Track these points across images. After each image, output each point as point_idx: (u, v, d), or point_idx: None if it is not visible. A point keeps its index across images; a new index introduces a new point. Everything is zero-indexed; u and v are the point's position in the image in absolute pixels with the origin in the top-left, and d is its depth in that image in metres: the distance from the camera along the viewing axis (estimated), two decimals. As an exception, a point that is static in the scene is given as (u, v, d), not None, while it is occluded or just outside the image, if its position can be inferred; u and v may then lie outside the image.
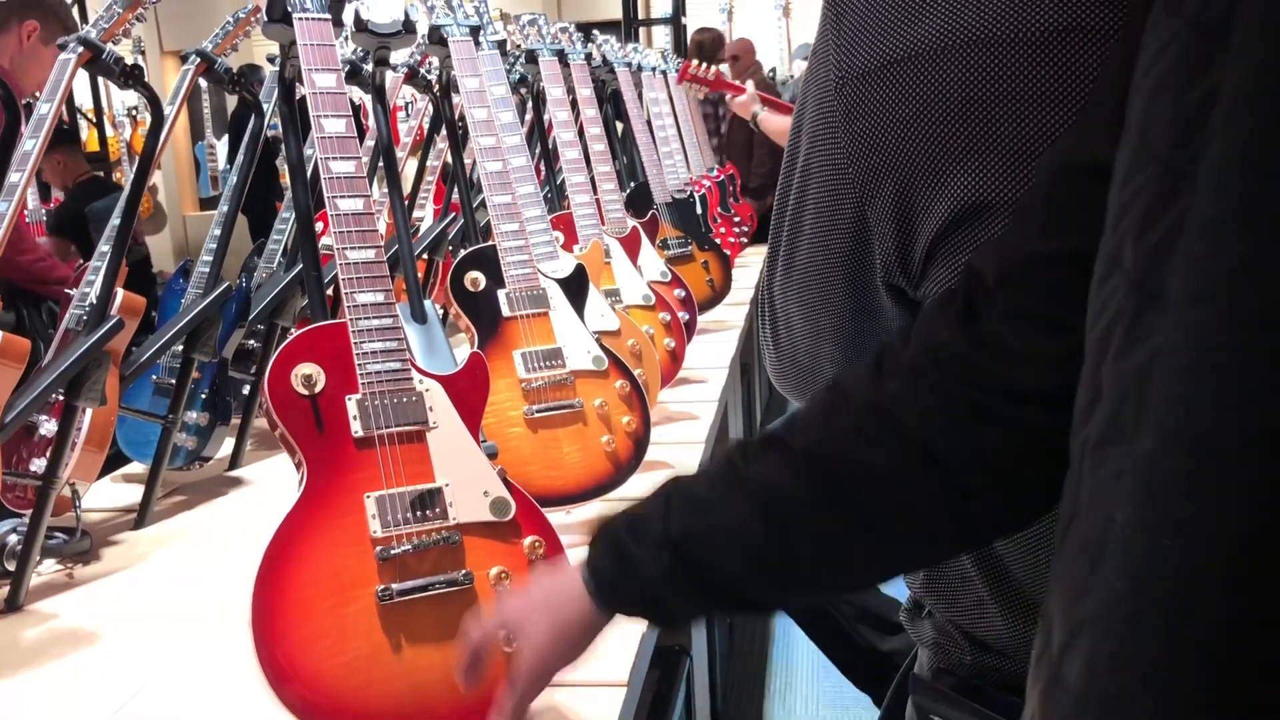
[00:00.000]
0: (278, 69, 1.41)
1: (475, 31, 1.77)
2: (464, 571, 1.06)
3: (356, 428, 1.07)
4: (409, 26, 1.52)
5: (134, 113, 8.89)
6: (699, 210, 3.35)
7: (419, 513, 1.06)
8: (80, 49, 1.53)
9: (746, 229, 4.34)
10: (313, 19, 1.21)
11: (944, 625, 0.93)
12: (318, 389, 1.07)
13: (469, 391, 1.14)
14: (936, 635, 0.94)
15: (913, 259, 0.80)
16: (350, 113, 1.18)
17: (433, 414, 1.11)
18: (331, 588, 1.02)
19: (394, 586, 1.03)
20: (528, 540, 1.09)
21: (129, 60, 1.64)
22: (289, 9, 1.21)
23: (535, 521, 1.11)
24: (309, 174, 1.42)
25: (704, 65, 4.04)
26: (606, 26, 7.76)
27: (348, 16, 1.43)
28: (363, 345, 1.09)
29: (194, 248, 8.78)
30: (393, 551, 1.04)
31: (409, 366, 1.11)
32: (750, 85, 3.93)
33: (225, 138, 8.39)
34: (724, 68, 4.56)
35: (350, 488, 1.05)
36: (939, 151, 0.75)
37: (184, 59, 1.87)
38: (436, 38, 1.76)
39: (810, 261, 0.87)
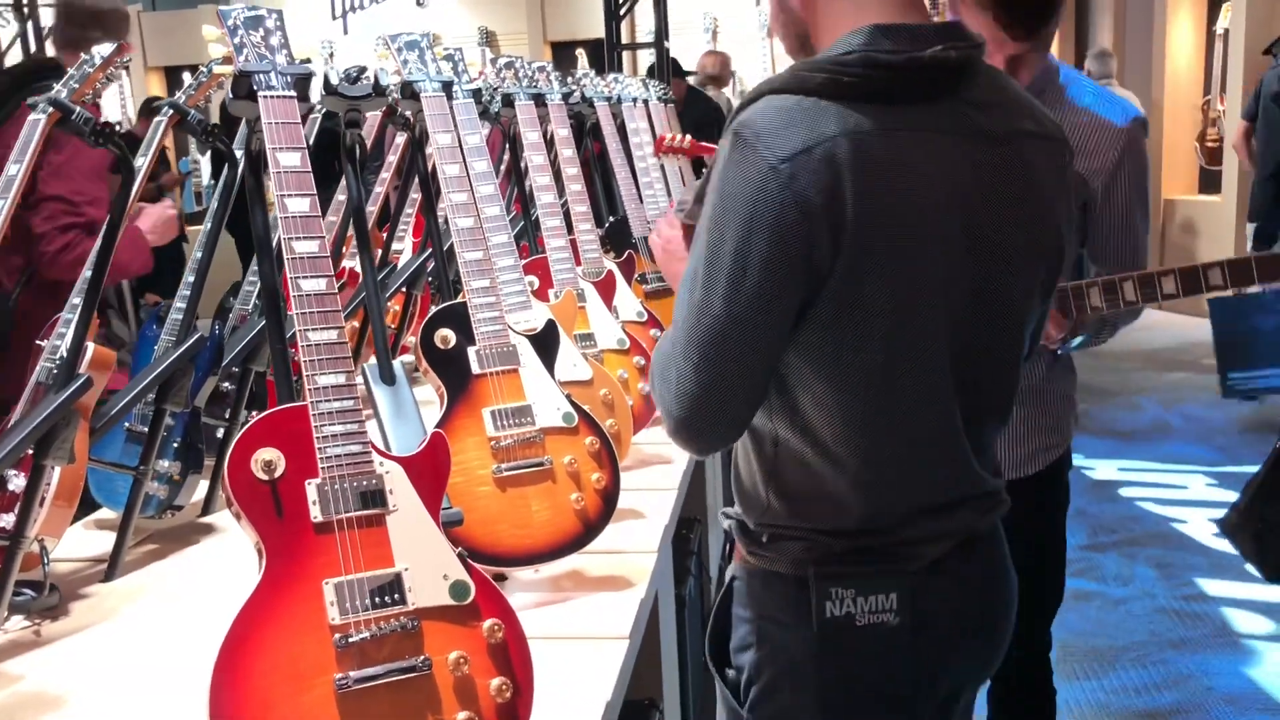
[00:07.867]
0: (245, 142, 1.41)
1: (448, 86, 1.77)
2: (422, 658, 1.06)
3: (316, 513, 1.08)
4: (379, 90, 1.53)
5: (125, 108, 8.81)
6: (678, 242, 3.35)
7: (378, 599, 1.07)
8: (50, 109, 1.54)
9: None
10: (278, 97, 1.22)
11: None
12: (278, 474, 1.07)
13: (430, 472, 1.14)
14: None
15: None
16: (315, 191, 1.19)
17: (393, 497, 1.11)
18: (289, 675, 1.03)
19: (351, 674, 1.04)
20: (487, 623, 1.10)
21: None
22: (254, 87, 1.21)
23: (494, 603, 1.12)
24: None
25: (675, 136, 4.13)
26: (590, 44, 7.78)
27: (317, 80, 1.44)
28: (323, 428, 1.10)
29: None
30: (351, 639, 1.05)
31: (369, 449, 1.12)
32: None
33: (209, 154, 8.37)
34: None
35: (309, 574, 1.06)
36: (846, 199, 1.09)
37: (155, 110, 1.88)
38: (409, 93, 1.77)
39: (758, 299, 1.11)
